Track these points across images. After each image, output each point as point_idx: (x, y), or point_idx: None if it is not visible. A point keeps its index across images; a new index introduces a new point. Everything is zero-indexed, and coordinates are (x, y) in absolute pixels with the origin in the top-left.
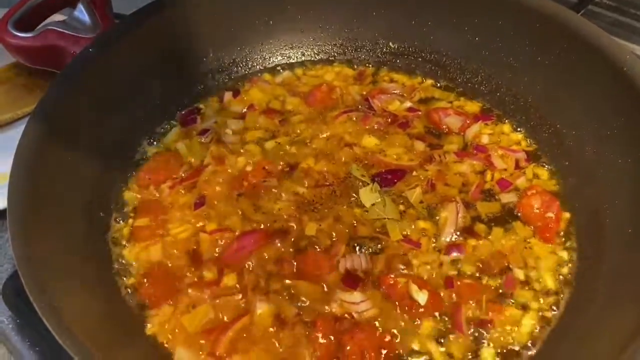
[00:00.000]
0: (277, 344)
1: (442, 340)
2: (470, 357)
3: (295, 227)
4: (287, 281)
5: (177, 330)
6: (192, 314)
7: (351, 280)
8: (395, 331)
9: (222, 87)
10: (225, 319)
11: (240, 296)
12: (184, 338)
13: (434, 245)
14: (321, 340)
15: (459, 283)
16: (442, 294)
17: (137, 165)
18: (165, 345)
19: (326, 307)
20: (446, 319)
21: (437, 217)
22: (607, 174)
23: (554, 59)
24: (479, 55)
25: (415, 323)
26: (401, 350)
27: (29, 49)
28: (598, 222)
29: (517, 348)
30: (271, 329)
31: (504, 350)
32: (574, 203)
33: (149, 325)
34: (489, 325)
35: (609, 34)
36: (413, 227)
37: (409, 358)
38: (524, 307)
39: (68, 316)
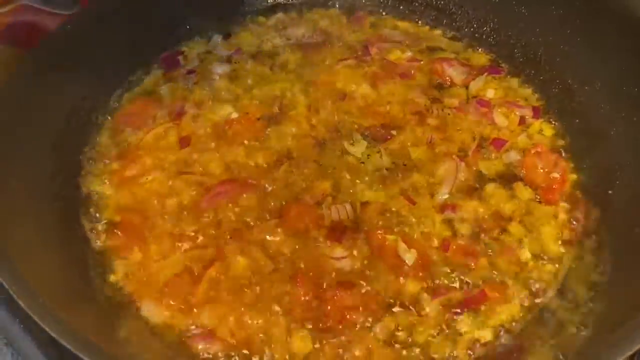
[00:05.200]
0: (251, 299)
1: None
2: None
3: (279, 177)
4: (267, 235)
5: (144, 280)
6: (162, 263)
7: (337, 232)
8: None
9: (211, 29)
10: (196, 272)
11: (214, 248)
12: (151, 289)
13: (428, 203)
14: (301, 298)
15: (454, 247)
16: (433, 257)
17: (114, 109)
18: (131, 295)
19: (307, 262)
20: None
21: (434, 175)
22: (621, 133)
23: (569, 8)
24: (487, 3)
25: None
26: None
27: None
28: (607, 184)
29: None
30: (246, 283)
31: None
32: (581, 163)
33: (113, 275)
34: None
35: None
36: (408, 182)
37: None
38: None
39: (26, 268)
